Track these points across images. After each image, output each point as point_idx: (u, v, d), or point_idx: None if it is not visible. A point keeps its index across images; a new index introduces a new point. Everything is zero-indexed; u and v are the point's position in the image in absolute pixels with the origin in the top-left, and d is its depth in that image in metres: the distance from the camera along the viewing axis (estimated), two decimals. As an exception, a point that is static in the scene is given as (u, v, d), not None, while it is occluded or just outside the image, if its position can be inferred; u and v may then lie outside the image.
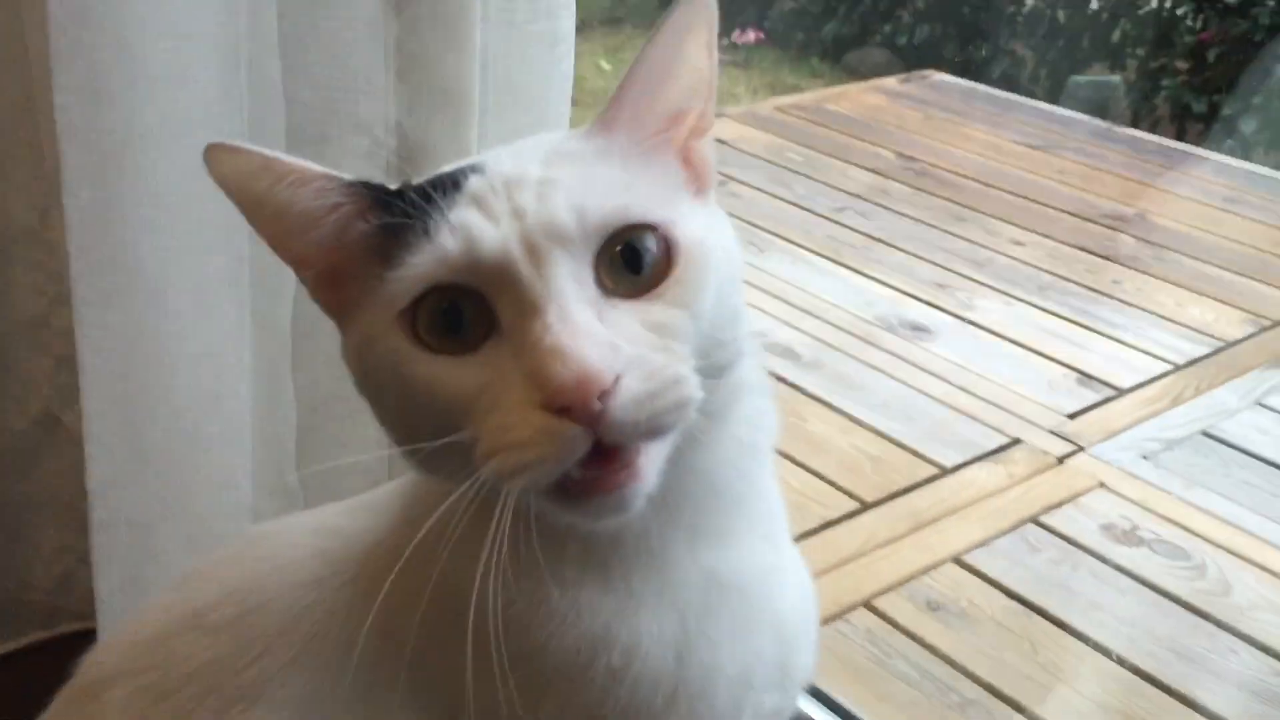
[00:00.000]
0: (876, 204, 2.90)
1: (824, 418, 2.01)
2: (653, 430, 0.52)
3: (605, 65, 4.48)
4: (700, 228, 0.57)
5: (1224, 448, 1.98)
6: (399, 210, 0.55)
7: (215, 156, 0.55)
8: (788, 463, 1.87)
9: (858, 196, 2.93)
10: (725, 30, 4.88)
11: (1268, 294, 2.52)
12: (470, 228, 0.53)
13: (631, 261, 0.54)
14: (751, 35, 4.79)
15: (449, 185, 0.55)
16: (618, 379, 0.50)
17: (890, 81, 3.85)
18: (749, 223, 2.72)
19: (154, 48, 0.69)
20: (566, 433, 0.50)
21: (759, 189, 2.95)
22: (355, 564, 0.65)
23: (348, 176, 0.56)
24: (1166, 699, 1.46)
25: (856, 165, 3.12)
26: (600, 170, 0.56)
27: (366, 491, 0.72)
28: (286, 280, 0.82)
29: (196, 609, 0.66)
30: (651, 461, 0.53)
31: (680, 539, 0.60)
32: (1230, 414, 2.08)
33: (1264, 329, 2.38)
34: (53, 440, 1.07)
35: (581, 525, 0.57)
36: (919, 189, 2.99)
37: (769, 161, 3.13)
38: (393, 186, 0.57)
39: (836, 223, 2.78)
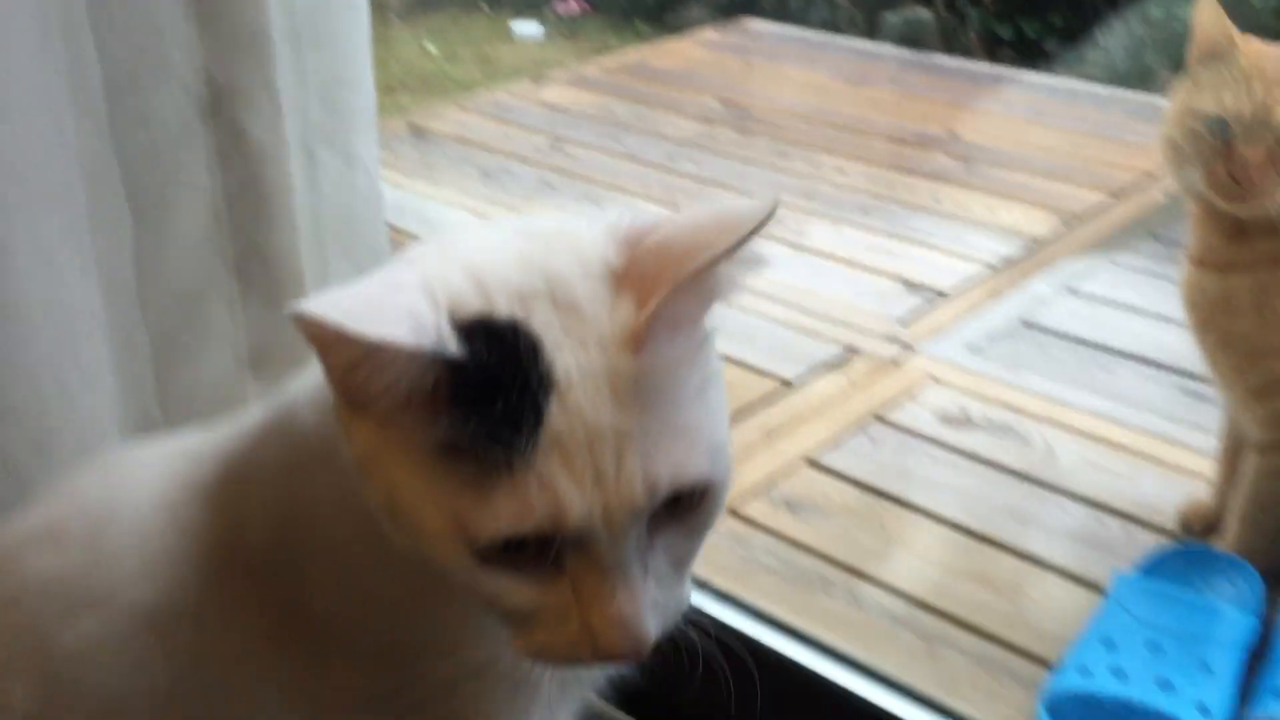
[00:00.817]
0: (706, 149, 3.01)
1: (674, 350, 2.10)
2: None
3: (431, 48, 4.49)
4: (720, 425, 0.60)
5: (1040, 333, 2.14)
6: (481, 430, 0.53)
7: (306, 327, 0.55)
8: (644, 395, 1.96)
9: (688, 144, 3.04)
10: (548, 1, 4.95)
11: (1070, 193, 2.71)
12: (558, 493, 0.53)
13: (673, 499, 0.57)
14: (574, 5, 4.85)
15: (530, 405, 0.53)
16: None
17: (709, 32, 3.97)
18: (585, 179, 2.81)
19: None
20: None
21: (592, 147, 3.03)
22: (208, 486, 0.70)
23: (434, 348, 0.53)
24: (1005, 555, 1.60)
25: (683, 115, 3.23)
26: (664, 416, 0.56)
27: (224, 416, 0.77)
28: (124, 231, 0.87)
29: (51, 525, 0.70)
30: None
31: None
32: (1044, 302, 2.25)
33: (1069, 224, 2.57)
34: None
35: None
36: (745, 131, 3.11)
37: (599, 120, 3.21)
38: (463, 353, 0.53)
39: (670, 171, 2.88)
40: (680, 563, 0.59)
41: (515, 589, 0.56)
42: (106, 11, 0.82)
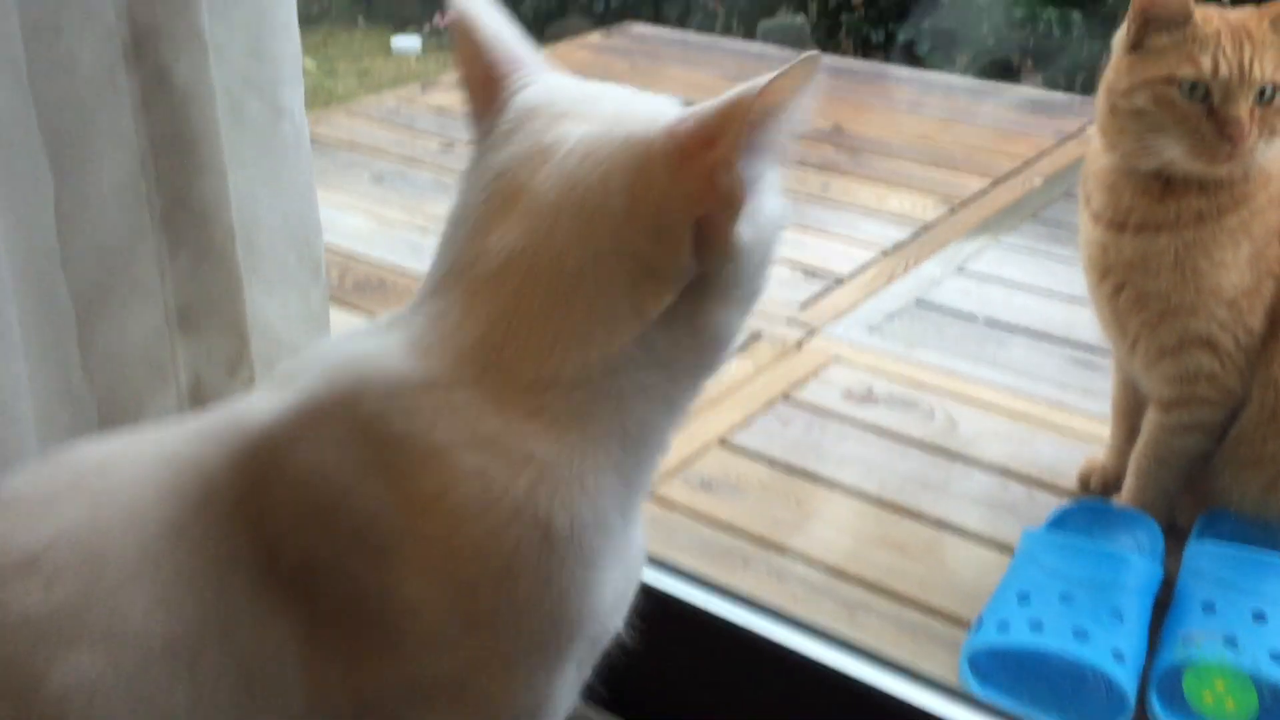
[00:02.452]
0: (598, 148, 3.01)
1: (580, 342, 2.11)
2: None
3: (310, 65, 4.41)
4: None
5: (935, 312, 2.21)
6: None
7: None
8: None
9: (580, 143, 3.04)
10: (425, 15, 4.91)
11: (953, 179, 2.80)
12: None
13: None
14: (453, 16, 4.81)
15: None
16: None
17: (594, 37, 3.99)
18: (480, 180, 2.79)
19: None
20: None
21: (484, 148, 3.02)
22: (231, 495, 0.66)
23: None
24: (915, 522, 1.63)
25: (574, 115, 3.23)
26: None
27: (155, 387, 0.73)
28: (44, 186, 0.82)
29: (28, 552, 0.63)
30: None
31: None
32: (936, 283, 2.31)
33: (954, 208, 2.65)
34: None
35: None
36: (635, 130, 3.13)
37: (490, 123, 3.20)
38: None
39: (564, 169, 2.87)
40: None
41: None
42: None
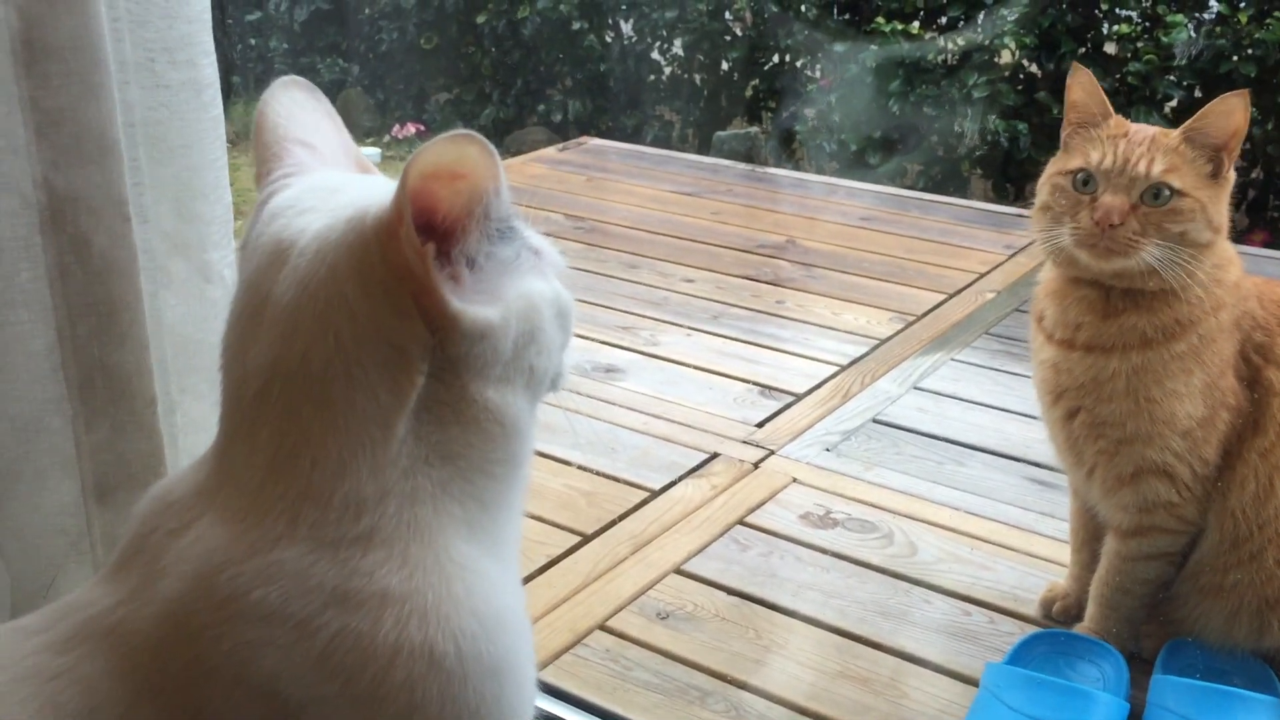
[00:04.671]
0: (554, 263, 3.01)
1: (535, 464, 2.06)
2: None
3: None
4: None
5: (892, 430, 2.19)
6: None
7: None
8: (505, 511, 1.91)
9: (535, 259, 3.04)
10: (385, 127, 4.96)
11: (908, 293, 2.82)
12: None
13: None
14: (411, 129, 4.88)
15: None
16: None
17: (549, 151, 4.03)
18: (434, 297, 2.77)
19: None
20: None
21: (439, 264, 3.00)
22: (111, 699, 0.64)
23: None
24: (877, 653, 1.59)
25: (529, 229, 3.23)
26: None
27: (70, 560, 0.70)
28: None
29: None
30: None
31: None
32: (893, 400, 2.30)
33: (909, 324, 2.65)
34: None
35: None
36: (591, 244, 3.14)
37: (445, 238, 3.19)
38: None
39: (518, 285, 2.86)
40: None
41: None
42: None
